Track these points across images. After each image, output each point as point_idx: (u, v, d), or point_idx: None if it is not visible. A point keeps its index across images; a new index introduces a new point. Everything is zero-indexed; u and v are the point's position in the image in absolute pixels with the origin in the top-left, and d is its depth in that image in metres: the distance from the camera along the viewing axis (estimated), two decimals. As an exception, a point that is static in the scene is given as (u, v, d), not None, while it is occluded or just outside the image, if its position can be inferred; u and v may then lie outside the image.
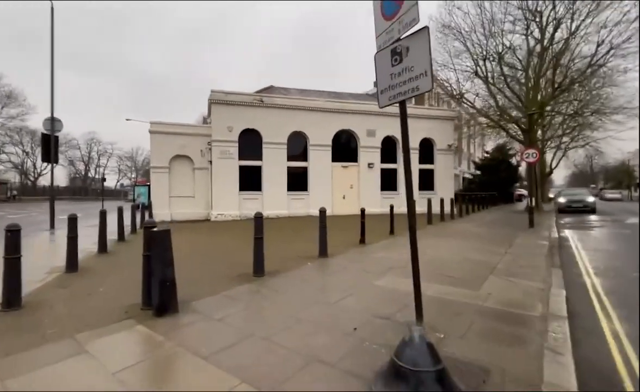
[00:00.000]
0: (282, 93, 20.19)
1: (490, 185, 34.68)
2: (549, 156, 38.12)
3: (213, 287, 4.80)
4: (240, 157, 16.64)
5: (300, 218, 16.39)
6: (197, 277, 5.43)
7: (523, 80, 22.15)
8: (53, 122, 13.19)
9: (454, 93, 22.97)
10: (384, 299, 4.31)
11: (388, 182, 19.29)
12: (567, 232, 11.87)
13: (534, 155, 12.69)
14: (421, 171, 19.94)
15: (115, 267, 6.44)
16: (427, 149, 20.23)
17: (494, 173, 35.70)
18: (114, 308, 3.91)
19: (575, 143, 34.39)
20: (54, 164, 13.39)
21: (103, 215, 8.06)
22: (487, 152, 37.60)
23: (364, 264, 6.39)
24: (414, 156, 19.71)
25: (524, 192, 45.36)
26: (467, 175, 46.90)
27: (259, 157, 16.92)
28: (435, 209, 14.60)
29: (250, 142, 16.82)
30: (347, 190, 18.51)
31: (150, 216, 15.90)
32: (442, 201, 15.23)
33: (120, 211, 10.25)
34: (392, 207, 11.04)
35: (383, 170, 19.16)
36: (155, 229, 3.64)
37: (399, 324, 3.39)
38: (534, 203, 13.52)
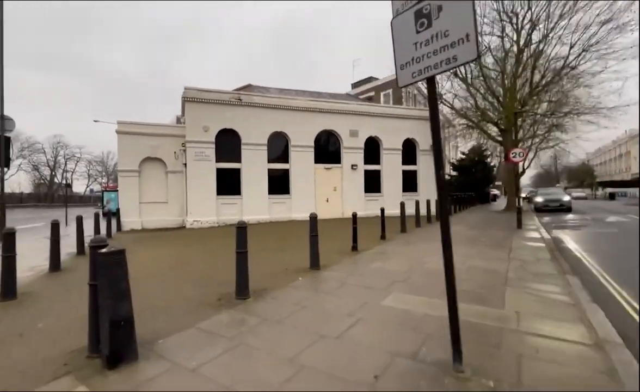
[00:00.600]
0: (261, 92, 19.22)
1: (467, 186, 35.11)
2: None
3: (185, 316, 3.88)
4: (218, 159, 15.55)
5: (283, 224, 15.50)
6: (164, 303, 4.48)
7: (499, 82, 22.32)
8: (3, 121, 11.64)
9: None
10: (398, 326, 3.56)
11: (371, 183, 18.74)
12: (558, 233, 11.66)
13: (521, 154, 12.46)
14: (404, 172, 19.54)
15: (67, 291, 5.35)
16: (410, 150, 19.86)
17: (470, 174, 36.24)
18: (51, 357, 2.94)
19: (546, 144, 35.35)
20: (6, 168, 11.81)
21: (55, 227, 6.87)
22: (463, 154, 38.11)
23: (363, 278, 5.64)
24: (397, 157, 19.29)
25: (497, 192, 46.49)
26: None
27: (238, 159, 15.89)
28: (423, 211, 14.13)
29: (228, 143, 15.77)
30: (330, 192, 17.79)
31: (119, 224, 14.56)
32: (428, 202, 14.80)
33: (79, 220, 9.01)
34: (382, 210, 10.37)
35: (366, 172, 18.59)
36: (104, 251, 2.71)
37: (431, 367, 2.64)
38: (520, 203, 13.30)
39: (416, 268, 6.27)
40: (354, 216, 8.40)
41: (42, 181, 64.94)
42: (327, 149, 18.01)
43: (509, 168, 23.26)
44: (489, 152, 37.44)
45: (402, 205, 11.83)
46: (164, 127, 15.76)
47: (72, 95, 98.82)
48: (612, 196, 40.41)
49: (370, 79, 40.75)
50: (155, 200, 15.56)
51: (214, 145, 15.37)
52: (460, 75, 21.91)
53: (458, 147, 57.48)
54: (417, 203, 13.39)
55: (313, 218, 6.50)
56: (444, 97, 23.11)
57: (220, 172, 15.61)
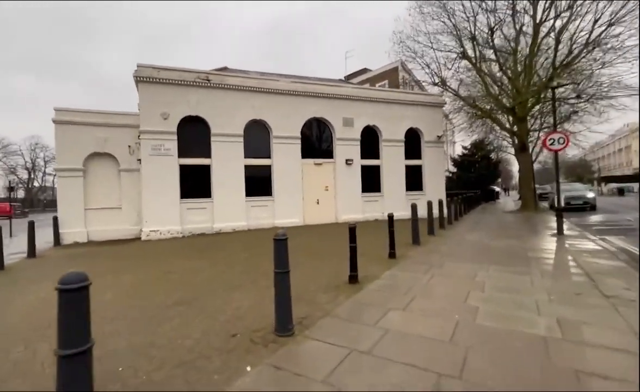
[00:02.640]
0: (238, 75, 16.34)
1: (470, 183, 32.66)
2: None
3: None
4: (181, 154, 12.66)
5: (264, 232, 12.67)
6: None
7: (511, 65, 19.73)
8: None
9: (435, 80, 20.14)
10: None
11: (370, 181, 15.99)
12: (614, 240, 9.00)
13: (562, 141, 9.79)
14: (408, 168, 16.83)
15: None
16: (413, 142, 17.15)
17: (473, 170, 33.76)
18: None
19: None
20: None
21: None
22: (465, 148, 35.61)
23: (371, 365, 2.85)
24: (399, 150, 16.58)
25: (498, 189, 44.06)
26: (445, 173, 45.07)
27: (207, 154, 13.02)
28: (423, 212, 11.42)
29: (194, 134, 12.89)
30: (321, 193, 15.00)
31: (57, 236, 11.61)
32: (440, 203, 12.09)
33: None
34: (391, 219, 7.56)
35: (364, 168, 15.83)
36: None
37: None
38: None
39: (465, 326, 3.51)
40: (352, 230, 5.60)
41: (19, 185, 61.58)
42: (316, 141, 15.22)
43: (523, 162, 20.70)
44: (493, 147, 34.94)
45: (414, 208, 9.07)
46: (115, 115, 12.83)
47: (56, 97, 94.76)
48: (620, 192, 38.23)
49: (364, 71, 38.09)
50: (105, 205, 12.64)
51: (175, 137, 12.47)
52: (470, 56, 19.28)
53: (456, 143, 55.16)
54: (430, 205, 10.65)
55: (281, 238, 3.71)
56: (447, 84, 20.47)
57: (184, 170, 12.72)
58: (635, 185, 42.61)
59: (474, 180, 32.65)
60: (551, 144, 9.91)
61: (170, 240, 11.74)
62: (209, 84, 12.84)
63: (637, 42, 14.73)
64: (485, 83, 19.58)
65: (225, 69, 18.18)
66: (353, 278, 5.37)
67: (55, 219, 11.76)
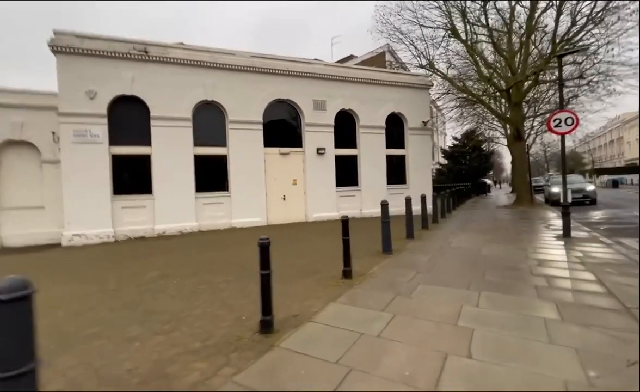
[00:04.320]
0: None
1: (461, 176, 30.95)
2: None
3: None
4: (114, 142, 10.53)
5: (218, 234, 10.67)
6: None
7: (506, 44, 17.84)
8: None
9: (422, 62, 18.08)
10: None
11: (345, 174, 14.03)
12: (634, 245, 7.18)
13: (570, 121, 7.90)
14: (390, 158, 14.89)
15: None
16: (396, 129, 15.21)
17: (464, 162, 32.04)
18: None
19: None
20: None
21: None
22: (456, 139, 33.82)
23: None
24: (379, 138, 14.62)
25: (489, 182, 42.50)
26: (433, 166, 43.33)
27: (146, 141, 10.89)
28: (412, 207, 9.53)
29: (129, 118, 10.75)
30: (288, 187, 12.99)
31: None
32: (423, 199, 10.17)
33: None
34: (345, 223, 5.57)
35: (338, 159, 13.85)
36: None
37: None
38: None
39: None
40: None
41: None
42: (282, 127, 13.17)
43: (518, 152, 18.91)
44: (485, 137, 33.19)
45: (384, 207, 7.12)
46: (36, 95, 10.60)
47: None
48: (615, 184, 36.90)
49: (350, 57, 35.91)
50: (23, 204, 10.47)
51: (105, 121, 10.31)
52: (458, 35, 17.31)
53: (447, 135, 53.51)
54: (409, 201, 8.71)
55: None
56: (435, 66, 18.47)
57: (118, 161, 10.60)
58: (629, 177, 41.42)
59: (465, 172, 30.95)
60: (556, 126, 8.02)
61: (98, 246, 9.66)
62: (147, 57, 10.67)
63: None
64: (476, 63, 17.63)
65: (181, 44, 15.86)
66: (266, 326, 3.38)
67: (-46, 222, 9.59)
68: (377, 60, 31.59)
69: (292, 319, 3.72)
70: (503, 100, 23.29)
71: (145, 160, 10.84)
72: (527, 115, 21.27)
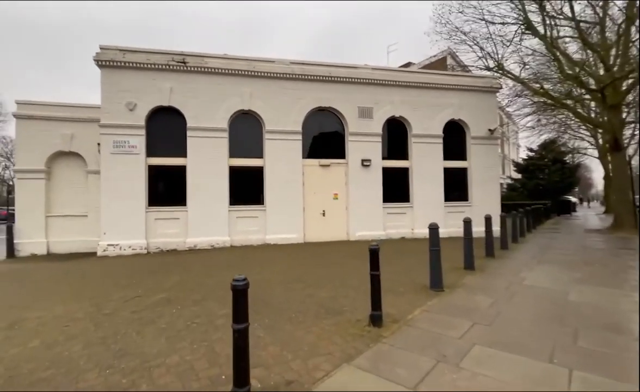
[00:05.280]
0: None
1: (538, 192, 26.84)
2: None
3: None
4: (150, 153, 10.44)
5: (251, 251, 9.91)
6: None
7: (598, 36, 14.82)
8: None
9: (489, 64, 15.73)
10: None
11: (394, 189, 12.45)
12: None
13: None
14: (447, 172, 12.95)
15: None
16: (455, 138, 13.25)
17: (542, 176, 27.81)
18: None
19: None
20: None
21: None
22: (531, 150, 29.66)
23: None
24: (435, 148, 12.80)
25: (574, 199, 36.56)
26: (503, 180, 38.80)
27: (182, 152, 10.64)
28: (475, 228, 7.69)
29: (166, 129, 10.61)
30: (328, 202, 11.83)
31: (10, 246, 9.98)
32: (488, 219, 8.23)
33: None
34: (374, 254, 4.19)
35: (386, 171, 12.35)
36: None
37: None
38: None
39: None
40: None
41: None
42: (323, 137, 12.13)
43: (615, 164, 15.43)
44: (568, 148, 28.59)
45: (433, 230, 5.56)
46: (83, 108, 11.06)
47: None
48: None
49: (408, 65, 34.14)
50: (69, 212, 10.85)
51: (143, 132, 10.26)
52: (534, 29, 14.80)
53: (520, 147, 48.01)
54: (468, 224, 6.96)
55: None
56: (505, 66, 16.00)
57: (154, 172, 10.46)
58: None
59: (542, 188, 26.83)
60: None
61: (131, 257, 9.46)
62: (185, 68, 10.48)
63: None
64: (559, 60, 14.86)
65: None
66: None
67: (10, 228, 10.16)
68: (437, 65, 29.34)
69: (283, 385, 2.52)
70: (593, 104, 19.67)
71: (181, 171, 10.57)
72: (626, 120, 17.47)
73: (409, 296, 5.19)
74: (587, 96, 16.48)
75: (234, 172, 11.00)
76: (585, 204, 53.78)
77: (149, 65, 10.22)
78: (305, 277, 6.52)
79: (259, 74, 11.10)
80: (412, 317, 4.29)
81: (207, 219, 10.50)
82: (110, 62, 9.97)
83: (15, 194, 10.66)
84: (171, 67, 10.39)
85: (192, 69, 10.55)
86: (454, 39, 16.13)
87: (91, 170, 11.00)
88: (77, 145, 10.85)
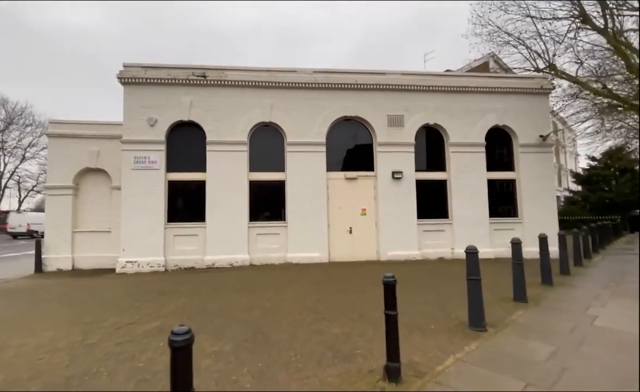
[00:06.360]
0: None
1: (603, 207, 23.63)
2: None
3: None
4: (171, 168, 10.24)
5: (270, 271, 9.22)
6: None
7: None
8: None
9: (538, 65, 13.97)
10: None
11: (430, 204, 11.19)
12: None
13: None
14: (492, 184, 11.45)
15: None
16: (500, 147, 11.77)
17: (608, 188, 24.53)
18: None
19: None
20: None
21: None
22: (593, 159, 26.42)
23: None
24: (477, 157, 11.41)
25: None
26: (561, 193, 35.02)
27: (201, 167, 10.31)
28: (527, 249, 6.35)
29: (187, 144, 10.39)
30: (355, 218, 10.86)
31: (39, 261, 10.16)
32: (542, 239, 6.80)
33: None
34: (390, 288, 4.05)
35: (421, 184, 11.16)
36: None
37: None
38: None
39: None
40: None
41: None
42: (348, 148, 11.28)
43: None
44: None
45: (471, 256, 4.45)
46: (109, 125, 11.22)
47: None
48: None
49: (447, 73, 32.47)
50: (93, 228, 10.90)
51: (163, 147, 10.10)
52: (592, 23, 13.00)
53: (579, 156, 43.50)
54: (516, 246, 5.69)
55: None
56: (558, 66, 14.16)
57: (173, 188, 10.22)
58: None
59: (609, 202, 23.60)
60: None
61: (147, 275, 9.16)
62: (205, 81, 10.26)
63: None
64: (625, 55, 12.84)
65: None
66: None
67: (39, 243, 10.38)
68: (478, 71, 27.50)
69: None
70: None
71: (200, 186, 10.24)
72: None
73: (442, 336, 4.11)
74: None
75: (254, 186, 10.46)
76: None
77: (169, 81, 10.13)
78: (320, 306, 5.61)
79: (281, 84, 10.60)
80: (443, 370, 3.24)
81: (226, 236, 9.99)
82: (133, 79, 10.01)
83: (45, 210, 10.96)
84: (191, 81, 10.22)
85: (212, 82, 10.30)
86: (496, 40, 14.65)
87: (115, 186, 11.04)
88: (102, 162, 10.99)
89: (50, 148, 10.91)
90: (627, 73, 13.54)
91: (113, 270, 10.04)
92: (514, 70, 16.26)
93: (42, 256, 10.36)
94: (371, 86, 10.98)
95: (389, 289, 3.03)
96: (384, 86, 11.05)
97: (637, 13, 12.55)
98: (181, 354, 1.48)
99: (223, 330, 4.41)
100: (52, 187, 10.75)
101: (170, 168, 10.17)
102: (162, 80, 10.10)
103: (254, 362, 3.44)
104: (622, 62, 13.21)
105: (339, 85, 10.84)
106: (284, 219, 10.44)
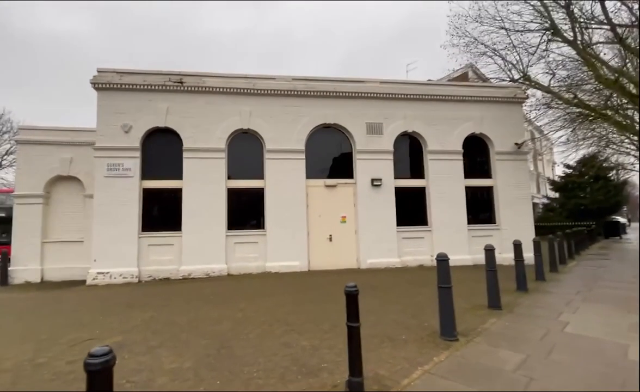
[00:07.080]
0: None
1: (579, 213, 24.38)
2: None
3: None
4: (146, 175, 9.97)
5: (245, 280, 9.01)
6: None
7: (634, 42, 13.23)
8: None
9: (513, 76, 14.37)
10: None
11: (410, 211, 11.25)
12: None
13: None
14: (470, 191, 11.62)
15: None
16: (477, 154, 11.97)
17: (583, 195, 25.33)
18: None
19: None
20: None
21: None
22: (569, 167, 27.27)
23: None
24: (455, 165, 11.56)
25: (622, 219, 33.06)
26: (539, 200, 35.96)
27: (178, 174, 10.08)
28: (505, 255, 6.40)
29: (163, 151, 10.16)
30: (335, 225, 10.80)
31: (5, 276, 9.67)
32: (517, 248, 6.89)
33: None
34: (351, 297, 3.53)
35: (400, 191, 11.22)
36: None
37: None
38: None
39: None
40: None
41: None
42: (328, 156, 11.27)
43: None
44: (611, 164, 25.99)
45: (441, 263, 4.44)
46: (82, 132, 10.88)
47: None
48: None
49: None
50: (65, 238, 10.50)
51: (138, 154, 9.84)
52: (561, 35, 13.46)
53: (556, 164, 44.88)
54: (490, 253, 5.73)
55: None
56: (532, 77, 14.58)
57: (148, 196, 9.94)
58: None
59: (584, 208, 24.35)
60: None
61: (119, 287, 8.82)
62: (182, 88, 10.10)
63: None
64: (593, 66, 13.34)
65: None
66: None
67: (5, 255, 9.89)
68: (458, 80, 28.18)
69: None
70: (638, 115, 17.65)
71: (177, 194, 10.00)
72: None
73: (412, 346, 4.05)
74: (629, 106, 14.68)
75: (233, 194, 10.30)
76: (635, 224, 48.94)
77: (145, 87, 9.92)
78: (292, 317, 5.48)
79: (260, 91, 10.53)
80: (408, 383, 3.17)
81: (203, 245, 9.76)
82: (107, 84, 9.76)
83: (13, 219, 10.47)
84: (168, 87, 10.04)
85: (190, 89, 10.15)
86: (473, 51, 15.01)
87: (88, 194, 10.68)
88: (75, 169, 10.64)
89: (20, 155, 10.49)
90: (595, 84, 14.06)
91: (84, 282, 9.64)
92: (491, 80, 16.69)
93: (9, 268, 9.87)
94: (350, 94, 11.04)
95: (351, 299, 2.95)
96: (363, 94, 11.13)
97: (607, 26, 13.10)
98: (99, 379, 1.32)
99: (187, 345, 4.23)
100: (21, 196, 10.31)
101: (145, 175, 9.90)
102: (138, 86, 9.88)
103: (212, 380, 3.29)
104: (591, 72, 13.73)
105: (318, 93, 10.85)
106: (263, 228, 10.30)
